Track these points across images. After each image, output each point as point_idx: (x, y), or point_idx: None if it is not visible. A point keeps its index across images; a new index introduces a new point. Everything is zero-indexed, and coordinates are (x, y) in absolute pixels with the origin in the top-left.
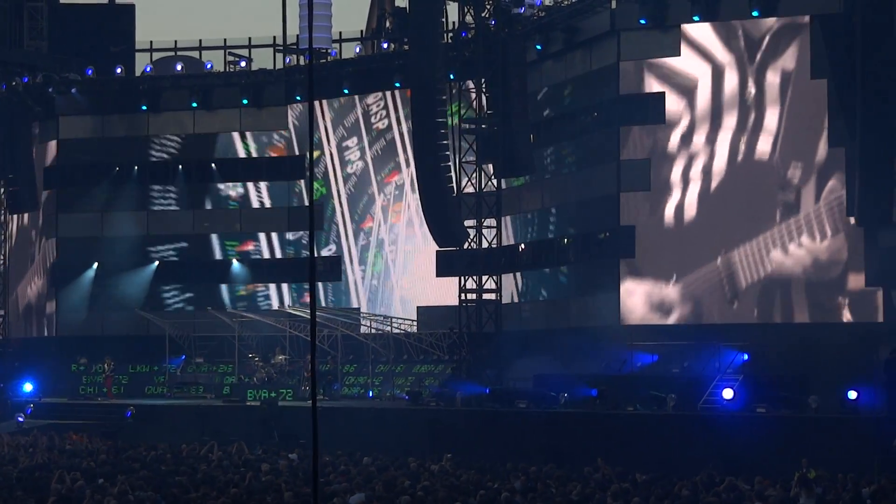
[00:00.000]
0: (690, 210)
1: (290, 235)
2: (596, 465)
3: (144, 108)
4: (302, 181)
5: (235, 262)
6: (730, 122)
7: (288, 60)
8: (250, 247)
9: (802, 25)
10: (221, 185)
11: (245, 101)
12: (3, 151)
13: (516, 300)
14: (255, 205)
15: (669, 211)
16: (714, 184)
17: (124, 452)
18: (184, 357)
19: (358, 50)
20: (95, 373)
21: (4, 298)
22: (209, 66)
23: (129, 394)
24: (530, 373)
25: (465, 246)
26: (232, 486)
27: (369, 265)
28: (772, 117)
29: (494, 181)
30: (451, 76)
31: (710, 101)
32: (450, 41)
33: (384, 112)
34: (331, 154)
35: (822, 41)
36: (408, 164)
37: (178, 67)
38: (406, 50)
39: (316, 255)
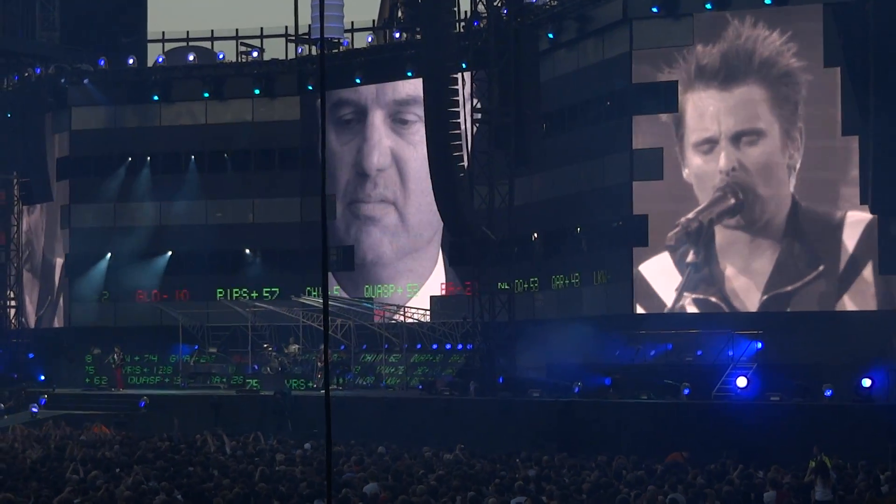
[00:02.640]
0: (703, 198)
1: None
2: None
3: (156, 98)
4: None
5: (248, 252)
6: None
7: (300, 50)
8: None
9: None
10: (234, 175)
11: (257, 92)
12: (16, 143)
13: (529, 289)
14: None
15: (682, 199)
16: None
17: (138, 442)
18: (196, 347)
19: (370, 40)
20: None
21: (18, 289)
22: (221, 56)
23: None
24: (543, 362)
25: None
26: (246, 477)
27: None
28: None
29: (507, 170)
30: (464, 65)
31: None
32: (462, 30)
33: None
34: None
35: (835, 29)
36: None
37: (191, 58)
38: (418, 39)
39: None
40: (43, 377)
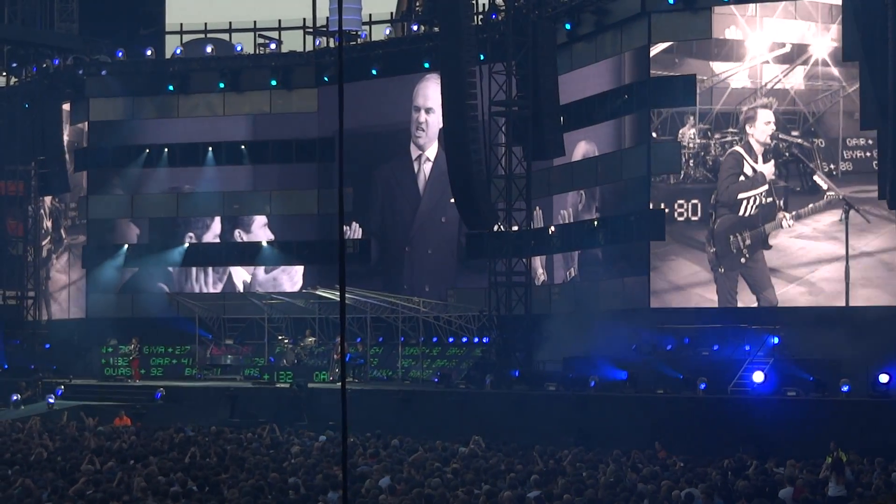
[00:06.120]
0: (719, 193)
1: None
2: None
3: (174, 90)
4: None
5: (265, 244)
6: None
7: (318, 43)
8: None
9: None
10: (251, 167)
11: (274, 83)
12: (34, 133)
13: (546, 282)
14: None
15: (698, 193)
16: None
17: (153, 434)
18: (211, 337)
19: (388, 32)
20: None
21: (35, 280)
22: (239, 48)
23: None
24: (560, 355)
25: (495, 228)
26: (262, 468)
27: None
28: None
29: (524, 164)
30: (481, 58)
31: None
32: (480, 23)
33: None
34: None
35: (854, 22)
36: None
37: (208, 49)
38: (436, 32)
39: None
40: (55, 367)
